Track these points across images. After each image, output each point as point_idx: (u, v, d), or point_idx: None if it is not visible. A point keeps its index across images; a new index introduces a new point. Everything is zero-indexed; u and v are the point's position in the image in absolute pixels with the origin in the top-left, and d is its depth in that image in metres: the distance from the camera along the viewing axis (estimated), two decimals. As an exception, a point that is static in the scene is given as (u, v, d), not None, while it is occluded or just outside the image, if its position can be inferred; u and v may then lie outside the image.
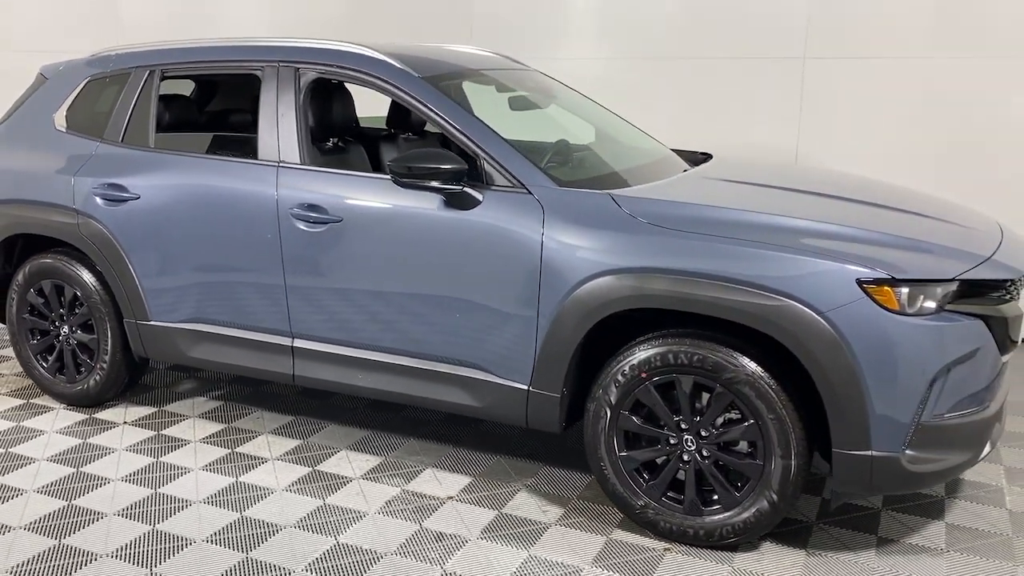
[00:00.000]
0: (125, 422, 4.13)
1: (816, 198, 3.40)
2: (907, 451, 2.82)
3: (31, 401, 4.37)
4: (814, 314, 2.75)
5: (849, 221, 3.07)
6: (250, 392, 4.49)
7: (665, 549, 3.08)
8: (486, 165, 3.29)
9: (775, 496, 2.91)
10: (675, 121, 6.74)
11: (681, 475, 3.07)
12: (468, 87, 3.99)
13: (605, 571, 2.95)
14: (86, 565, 2.98)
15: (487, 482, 3.56)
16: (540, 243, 3.13)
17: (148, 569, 2.95)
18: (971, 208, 3.63)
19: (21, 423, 4.12)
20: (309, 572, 2.94)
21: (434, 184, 3.25)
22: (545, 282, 3.13)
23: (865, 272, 2.74)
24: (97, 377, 4.16)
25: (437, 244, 3.31)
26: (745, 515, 2.97)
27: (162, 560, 3.00)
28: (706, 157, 4.19)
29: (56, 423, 4.12)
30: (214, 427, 4.08)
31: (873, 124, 5.94)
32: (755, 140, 6.58)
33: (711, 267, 2.88)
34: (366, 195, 3.46)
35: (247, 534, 3.17)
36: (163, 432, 4.02)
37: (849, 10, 5.98)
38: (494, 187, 3.26)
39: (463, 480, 3.58)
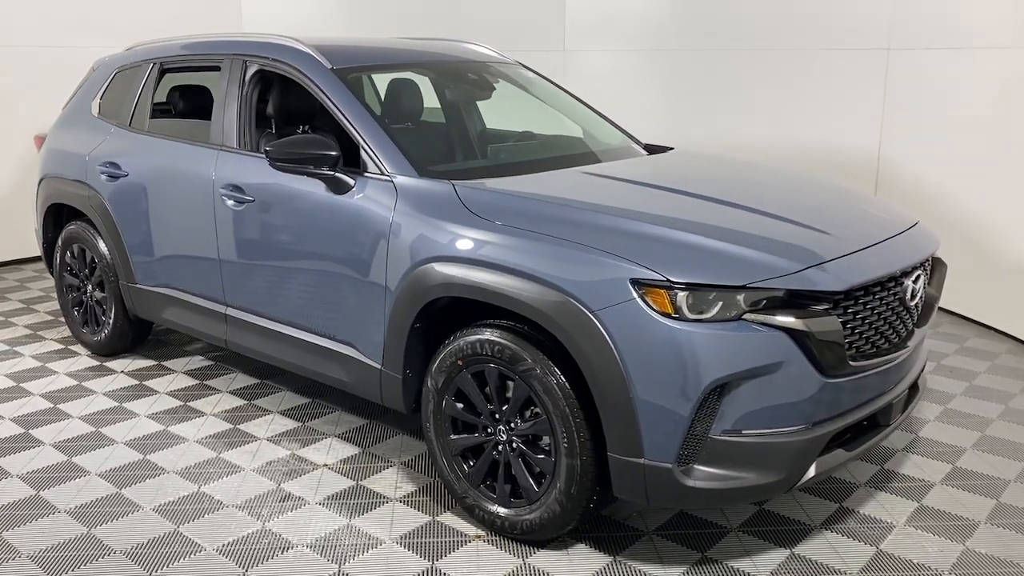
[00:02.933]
0: (123, 371, 4.73)
1: (680, 197, 3.24)
2: (694, 465, 2.68)
3: (68, 347, 5.10)
4: (587, 312, 2.68)
5: (677, 222, 2.92)
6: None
7: (476, 536, 3.11)
8: (363, 153, 3.46)
9: (563, 496, 2.86)
10: (747, 113, 6.47)
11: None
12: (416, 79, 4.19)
13: (403, 548, 3.05)
14: (-2, 482, 3.54)
15: (370, 455, 3.74)
16: (389, 228, 3.26)
17: (35, 491, 3.44)
18: (877, 209, 3.32)
19: (46, 364, 4.84)
20: (156, 512, 3.29)
21: (307, 169, 3.47)
22: (390, 266, 3.26)
23: (639, 272, 2.63)
24: (107, 331, 4.79)
25: (318, 225, 3.53)
26: (538, 512, 2.94)
27: (49, 487, 3.48)
28: (663, 149, 4.18)
29: (71, 367, 4.80)
30: (188, 382, 4.56)
31: (960, 119, 5.36)
32: (833, 137, 6.14)
33: (507, 259, 2.87)
34: (272, 178, 3.73)
35: (134, 474, 3.58)
36: (145, 383, 4.56)
37: (937, -3, 5.44)
38: (367, 174, 3.43)
39: (351, 451, 3.78)
